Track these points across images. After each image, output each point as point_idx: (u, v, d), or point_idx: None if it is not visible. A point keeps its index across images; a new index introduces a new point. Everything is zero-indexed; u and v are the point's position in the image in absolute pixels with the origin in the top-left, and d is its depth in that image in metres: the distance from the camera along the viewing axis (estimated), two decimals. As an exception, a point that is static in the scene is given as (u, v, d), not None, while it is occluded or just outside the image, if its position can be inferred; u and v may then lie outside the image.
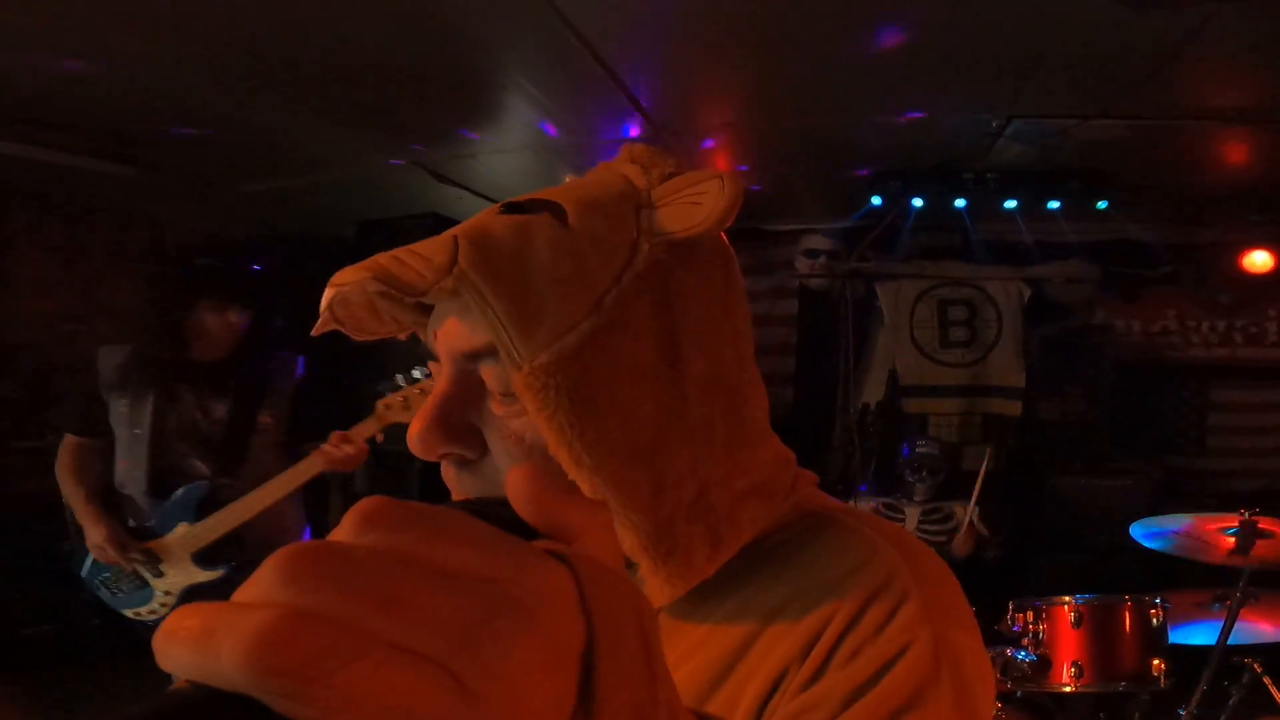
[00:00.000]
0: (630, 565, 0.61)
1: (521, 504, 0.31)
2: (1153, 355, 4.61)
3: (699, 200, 0.61)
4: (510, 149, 3.76)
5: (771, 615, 0.59)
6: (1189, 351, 4.59)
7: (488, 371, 0.61)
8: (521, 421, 0.61)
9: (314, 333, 0.68)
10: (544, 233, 0.59)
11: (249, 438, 2.51)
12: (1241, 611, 2.32)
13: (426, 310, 0.67)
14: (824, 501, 0.70)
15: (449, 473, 0.64)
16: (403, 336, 0.71)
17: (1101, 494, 4.10)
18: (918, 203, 3.84)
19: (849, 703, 0.52)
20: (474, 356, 0.61)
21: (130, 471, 2.43)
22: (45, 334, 4.05)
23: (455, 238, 0.58)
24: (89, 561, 2.45)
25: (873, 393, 4.69)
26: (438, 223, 4.04)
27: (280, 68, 2.71)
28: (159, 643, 0.24)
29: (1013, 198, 3.62)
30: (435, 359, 0.66)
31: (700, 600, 0.63)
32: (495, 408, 0.62)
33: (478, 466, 0.63)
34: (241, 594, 0.24)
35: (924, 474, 3.55)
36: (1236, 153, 3.22)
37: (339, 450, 2.29)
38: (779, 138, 3.53)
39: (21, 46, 2.44)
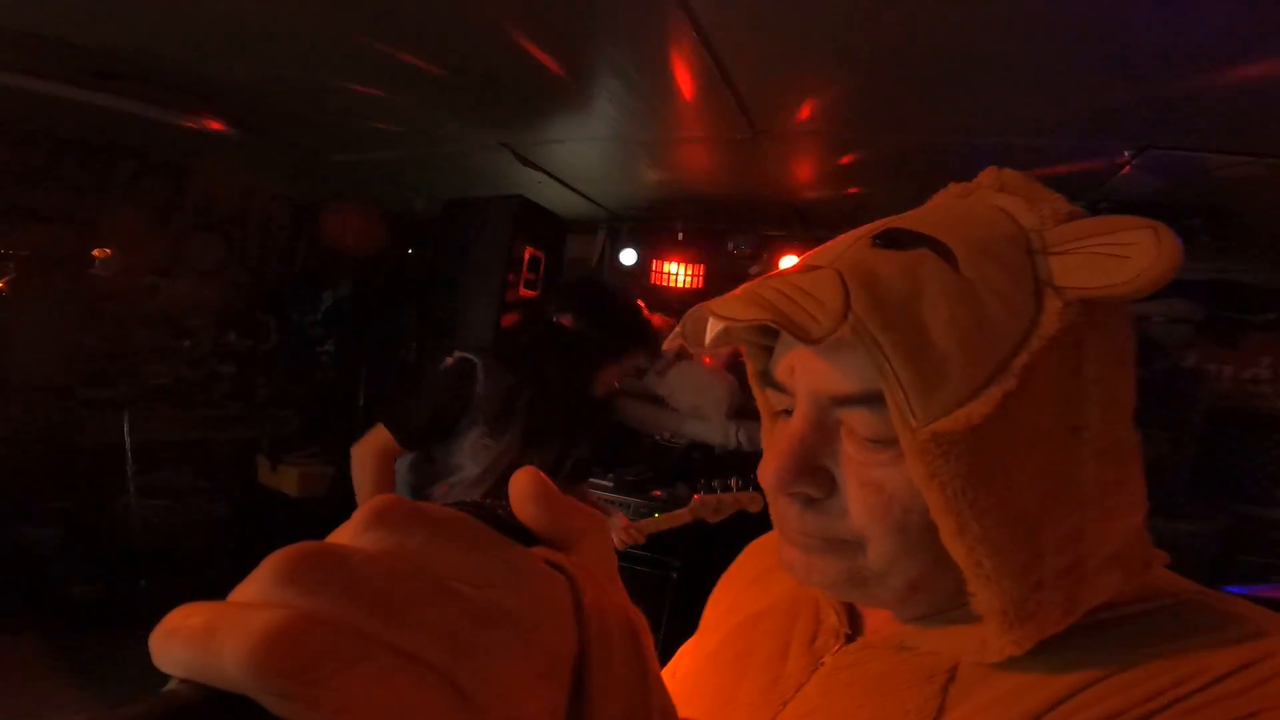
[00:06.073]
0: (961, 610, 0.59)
1: (524, 507, 0.31)
2: (1241, 403, 4.46)
3: (1123, 253, 0.53)
4: (600, 138, 3.70)
5: (1106, 675, 0.52)
6: (1277, 401, 4.44)
7: (855, 416, 0.58)
8: (884, 472, 0.57)
9: (665, 348, 0.68)
10: (936, 277, 0.55)
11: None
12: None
13: (765, 332, 0.65)
14: (1184, 583, 0.62)
15: (790, 509, 0.61)
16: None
17: (1173, 537, 4.03)
18: (1018, 227, 3.71)
19: None
20: (844, 401, 0.58)
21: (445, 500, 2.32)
22: (128, 284, 4.10)
23: (840, 277, 0.54)
24: None
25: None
26: (525, 205, 4.00)
27: (387, 42, 2.67)
28: (157, 641, 0.23)
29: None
30: (779, 387, 0.63)
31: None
32: (853, 450, 0.59)
33: (822, 505, 0.60)
34: (239, 594, 0.24)
35: None
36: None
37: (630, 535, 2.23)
38: (879, 151, 3.42)
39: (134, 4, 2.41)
